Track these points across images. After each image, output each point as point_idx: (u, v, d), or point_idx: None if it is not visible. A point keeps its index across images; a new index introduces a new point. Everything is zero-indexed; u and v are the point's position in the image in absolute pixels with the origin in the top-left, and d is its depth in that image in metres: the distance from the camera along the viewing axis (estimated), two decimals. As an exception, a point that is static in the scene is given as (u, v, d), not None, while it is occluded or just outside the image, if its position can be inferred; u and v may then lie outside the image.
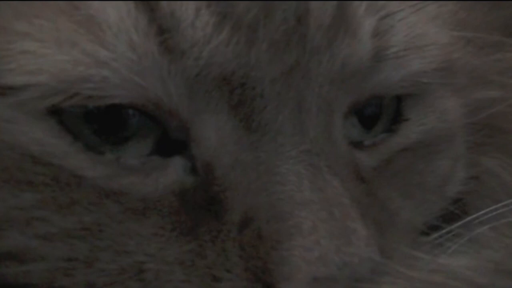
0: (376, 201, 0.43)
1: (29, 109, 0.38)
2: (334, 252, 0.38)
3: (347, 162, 0.42)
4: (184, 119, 0.40)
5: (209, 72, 0.39)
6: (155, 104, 0.39)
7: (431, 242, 0.41)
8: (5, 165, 0.38)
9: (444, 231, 0.40)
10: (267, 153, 0.40)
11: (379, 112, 0.45)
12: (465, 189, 0.48)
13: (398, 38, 0.43)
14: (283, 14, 0.40)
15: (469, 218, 0.41)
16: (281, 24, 0.40)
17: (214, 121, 0.40)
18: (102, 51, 0.38)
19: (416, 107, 0.46)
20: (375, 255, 0.39)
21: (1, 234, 0.38)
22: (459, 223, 0.40)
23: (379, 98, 0.45)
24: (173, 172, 0.40)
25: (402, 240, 0.43)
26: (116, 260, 0.39)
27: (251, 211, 0.39)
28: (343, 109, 0.42)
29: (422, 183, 0.46)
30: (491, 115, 0.50)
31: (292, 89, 0.40)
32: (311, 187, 0.40)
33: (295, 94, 0.40)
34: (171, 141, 0.40)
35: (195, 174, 0.40)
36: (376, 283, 0.37)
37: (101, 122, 0.39)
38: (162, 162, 0.40)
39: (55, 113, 0.39)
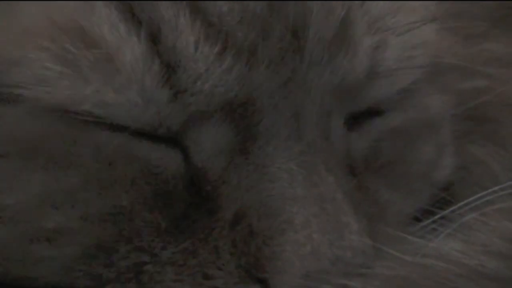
0: (366, 195, 0.45)
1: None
2: (327, 247, 0.39)
3: (342, 157, 0.44)
4: (177, 132, 0.41)
5: (212, 102, 0.40)
6: (147, 134, 0.41)
7: (423, 227, 0.43)
8: (48, 154, 0.40)
9: (437, 217, 0.42)
10: (258, 154, 0.41)
11: None
12: (453, 177, 0.50)
13: (392, 55, 0.45)
14: (280, 32, 0.41)
15: (457, 206, 0.42)
16: (277, 42, 0.41)
17: (210, 133, 0.41)
18: (111, 94, 0.39)
19: (402, 99, 0.47)
20: (367, 248, 0.40)
21: (46, 217, 0.40)
22: (449, 210, 0.42)
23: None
24: (177, 157, 0.41)
25: (390, 233, 0.43)
26: (128, 257, 0.40)
27: (243, 209, 0.41)
28: (342, 116, 0.44)
29: (408, 172, 0.48)
30: (478, 105, 0.51)
31: (289, 99, 0.42)
32: (304, 183, 0.41)
33: (292, 103, 0.42)
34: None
35: (189, 171, 0.41)
36: (371, 268, 0.39)
37: None
38: (166, 145, 0.41)
39: None
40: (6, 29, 0.40)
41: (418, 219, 0.45)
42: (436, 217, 0.42)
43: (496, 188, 0.43)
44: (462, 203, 0.42)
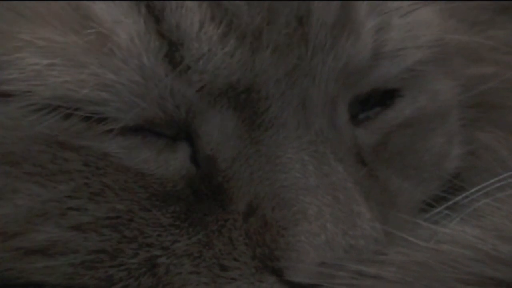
0: (377, 183, 0.46)
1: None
2: (341, 236, 0.40)
3: (350, 146, 0.45)
4: (184, 120, 0.42)
5: (214, 83, 0.41)
6: (152, 122, 0.41)
7: (436, 213, 0.43)
8: (35, 160, 0.40)
9: (450, 202, 0.43)
10: (269, 145, 0.42)
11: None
12: (462, 164, 0.51)
13: (396, 35, 0.45)
14: (285, 18, 0.42)
15: (470, 191, 0.43)
16: (283, 28, 0.42)
17: (217, 119, 0.42)
18: (109, 75, 0.40)
19: (410, 85, 0.48)
20: (380, 236, 0.41)
21: (36, 229, 0.40)
22: (462, 195, 0.43)
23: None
24: (182, 156, 0.42)
25: (404, 219, 0.44)
26: (137, 254, 0.41)
27: (256, 200, 0.41)
28: (346, 102, 0.45)
29: (419, 163, 0.48)
30: (484, 91, 0.52)
31: (295, 87, 0.42)
32: (316, 173, 0.42)
33: (299, 91, 0.42)
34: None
35: (198, 164, 0.42)
36: (386, 254, 0.40)
37: None
38: (170, 143, 0.42)
39: None
40: None
41: (430, 205, 0.46)
42: (450, 203, 0.43)
43: (506, 175, 0.44)
44: (475, 189, 0.43)
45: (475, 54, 0.54)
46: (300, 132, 0.42)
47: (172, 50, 0.40)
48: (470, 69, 0.53)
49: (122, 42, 0.40)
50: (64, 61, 0.39)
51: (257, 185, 0.42)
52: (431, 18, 0.48)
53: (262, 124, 0.42)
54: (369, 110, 0.47)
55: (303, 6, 0.42)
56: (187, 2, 0.40)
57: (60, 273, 0.41)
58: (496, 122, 0.53)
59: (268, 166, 0.42)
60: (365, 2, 0.44)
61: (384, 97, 0.47)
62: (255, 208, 0.41)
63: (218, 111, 0.42)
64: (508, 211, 0.40)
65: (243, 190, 0.42)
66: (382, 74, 0.46)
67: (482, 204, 0.41)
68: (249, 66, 0.41)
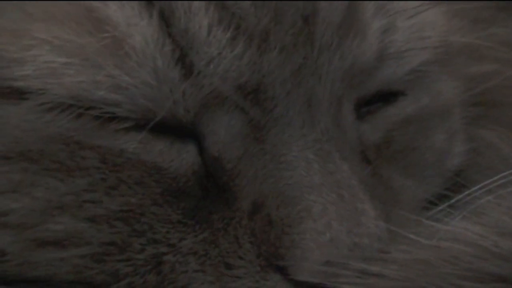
0: (380, 181, 0.46)
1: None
2: (345, 234, 0.41)
3: (355, 145, 0.45)
4: (192, 121, 0.42)
5: (224, 86, 0.41)
6: (161, 123, 0.42)
7: (439, 211, 0.44)
8: (54, 157, 0.41)
9: (453, 200, 0.43)
10: (274, 143, 0.42)
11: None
12: (464, 162, 0.51)
13: (402, 37, 0.46)
14: (292, 18, 0.42)
15: (473, 189, 0.44)
16: (289, 28, 0.42)
17: (224, 120, 0.42)
18: (124, 77, 0.40)
19: (413, 85, 0.49)
20: (383, 234, 0.42)
21: (52, 220, 0.41)
22: (464, 193, 0.43)
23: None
24: (193, 150, 0.43)
25: (406, 217, 0.44)
26: (144, 249, 0.41)
27: (261, 198, 0.42)
28: (351, 102, 0.45)
29: (421, 160, 0.49)
30: (487, 89, 0.53)
31: (301, 86, 0.43)
32: (321, 171, 0.42)
33: (305, 90, 0.43)
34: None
35: (205, 163, 0.43)
36: (388, 253, 0.40)
37: None
38: (181, 139, 0.43)
39: None
40: (2, 29, 0.41)
41: (433, 203, 0.47)
42: (452, 200, 0.43)
43: (508, 172, 0.45)
44: (477, 186, 0.43)
45: (476, 52, 0.54)
46: (305, 131, 0.43)
47: (183, 54, 0.41)
48: (472, 67, 0.54)
49: (137, 45, 0.40)
50: (81, 61, 0.40)
51: (262, 183, 0.42)
52: (436, 19, 0.49)
53: (268, 123, 0.43)
54: (372, 105, 0.47)
55: (309, 5, 0.43)
56: (194, 6, 0.41)
57: (71, 265, 0.41)
58: (498, 119, 0.54)
59: (273, 164, 0.42)
60: (372, 2, 0.45)
61: (387, 95, 0.48)
62: (260, 206, 0.42)
63: (225, 113, 0.42)
64: (508, 207, 0.41)
65: (248, 189, 0.42)
66: (387, 76, 0.46)
67: (483, 201, 0.42)
68: (257, 68, 0.42)
